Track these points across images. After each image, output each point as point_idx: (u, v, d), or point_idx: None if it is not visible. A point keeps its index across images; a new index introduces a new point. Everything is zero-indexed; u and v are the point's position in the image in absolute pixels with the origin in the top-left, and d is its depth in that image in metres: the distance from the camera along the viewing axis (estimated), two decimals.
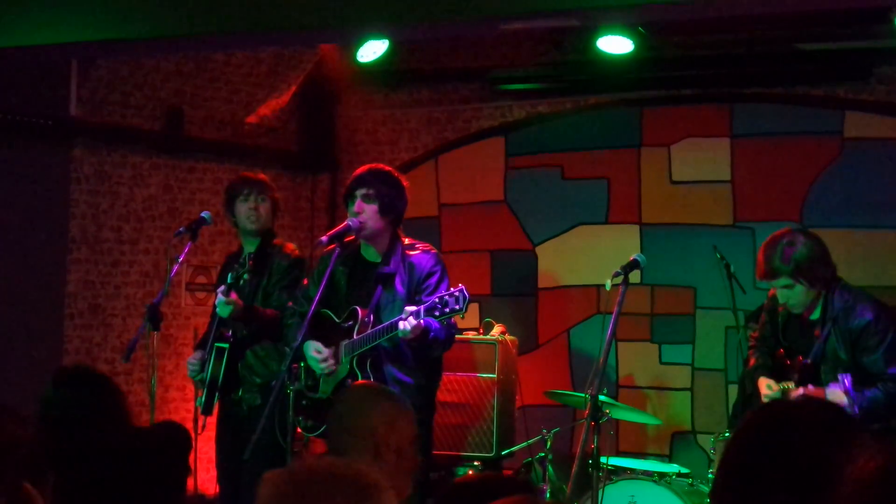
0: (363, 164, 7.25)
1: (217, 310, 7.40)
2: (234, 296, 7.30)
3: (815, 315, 6.67)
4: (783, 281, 6.55)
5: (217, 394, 7.46)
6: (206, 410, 7.45)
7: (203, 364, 7.50)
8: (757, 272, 6.74)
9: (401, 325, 6.35)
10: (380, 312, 6.75)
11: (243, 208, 7.61)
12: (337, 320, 6.86)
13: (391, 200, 6.86)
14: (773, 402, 5.89)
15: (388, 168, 7.09)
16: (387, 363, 6.72)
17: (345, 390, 5.69)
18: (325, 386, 6.86)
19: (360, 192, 6.83)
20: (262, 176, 7.82)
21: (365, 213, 6.80)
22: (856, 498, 2.58)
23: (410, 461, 4.64)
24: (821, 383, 6.47)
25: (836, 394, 6.25)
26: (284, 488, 2.71)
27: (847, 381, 6.20)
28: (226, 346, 7.43)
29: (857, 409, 6.23)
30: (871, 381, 6.41)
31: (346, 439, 4.60)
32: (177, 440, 4.19)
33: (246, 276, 7.48)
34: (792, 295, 6.57)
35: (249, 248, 7.66)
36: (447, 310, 6.24)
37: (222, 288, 7.32)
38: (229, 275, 7.47)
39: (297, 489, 2.70)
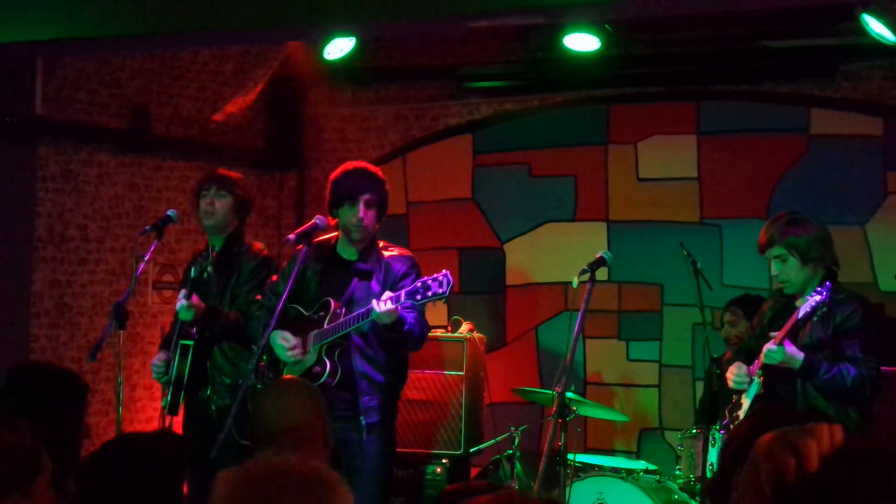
0: (330, 163, 7.26)
1: (179, 314, 7.37)
2: (195, 299, 7.26)
3: (803, 300, 6.69)
4: (776, 250, 6.54)
5: (182, 392, 7.42)
6: (172, 410, 7.40)
7: (168, 365, 7.47)
8: (758, 244, 6.74)
9: (375, 304, 6.33)
10: (352, 306, 6.73)
11: (202, 204, 7.58)
12: (306, 313, 6.83)
13: (385, 203, 6.91)
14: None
15: (376, 168, 7.08)
16: (357, 357, 6.70)
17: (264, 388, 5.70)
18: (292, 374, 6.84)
19: (363, 198, 6.81)
20: (230, 173, 7.76)
21: (367, 218, 6.81)
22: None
23: (323, 444, 4.77)
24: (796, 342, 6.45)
25: (810, 300, 6.24)
26: (239, 486, 2.71)
27: (826, 291, 6.18)
28: (190, 343, 7.39)
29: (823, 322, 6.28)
30: (848, 360, 6.41)
31: (264, 435, 4.68)
32: (172, 451, 4.19)
33: (209, 268, 7.42)
34: (784, 269, 6.55)
35: (215, 246, 7.64)
36: (430, 293, 6.20)
37: (184, 291, 7.29)
38: (192, 269, 7.42)
39: (252, 487, 2.70)
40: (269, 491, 2.68)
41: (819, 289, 6.23)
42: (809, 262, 6.54)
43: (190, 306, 7.20)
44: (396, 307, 6.33)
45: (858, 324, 6.47)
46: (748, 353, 6.88)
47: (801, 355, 6.31)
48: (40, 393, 4.80)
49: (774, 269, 6.60)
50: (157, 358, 7.59)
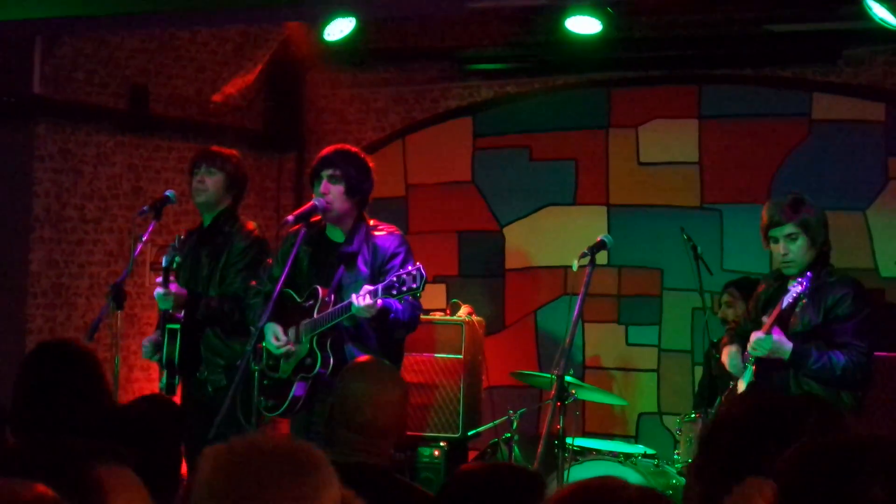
0: (330, 144, 7.21)
1: (158, 303, 7.36)
2: (173, 287, 7.24)
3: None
4: (788, 228, 6.52)
5: (177, 375, 7.41)
6: (169, 392, 7.40)
7: (156, 346, 7.45)
8: (761, 226, 6.68)
9: (355, 299, 6.31)
10: (342, 292, 6.71)
11: (193, 181, 7.53)
12: (298, 300, 6.82)
13: (357, 181, 6.82)
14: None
15: (354, 149, 7.05)
16: (348, 343, 6.68)
17: (346, 369, 5.57)
18: (285, 366, 6.82)
19: (326, 173, 6.79)
20: (224, 150, 7.69)
21: (331, 193, 6.76)
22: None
23: (402, 431, 4.82)
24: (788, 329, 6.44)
25: (792, 291, 6.22)
26: (224, 463, 2.71)
27: (806, 281, 6.16)
28: (177, 326, 7.37)
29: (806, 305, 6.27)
30: (836, 348, 6.40)
31: (355, 423, 4.64)
32: (166, 414, 4.16)
33: (178, 258, 7.34)
34: (793, 248, 6.53)
35: (205, 222, 7.61)
36: (404, 288, 6.20)
37: (160, 279, 7.26)
38: (164, 258, 7.36)
39: (236, 464, 2.70)
40: (254, 469, 2.68)
41: (800, 279, 6.20)
42: (816, 243, 6.53)
43: (167, 294, 7.18)
44: (375, 302, 6.32)
45: (850, 307, 6.46)
46: (743, 338, 6.87)
47: (789, 345, 6.29)
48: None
49: (783, 247, 6.55)
50: (148, 338, 7.59)
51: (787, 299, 6.21)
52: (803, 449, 2.69)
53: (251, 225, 7.64)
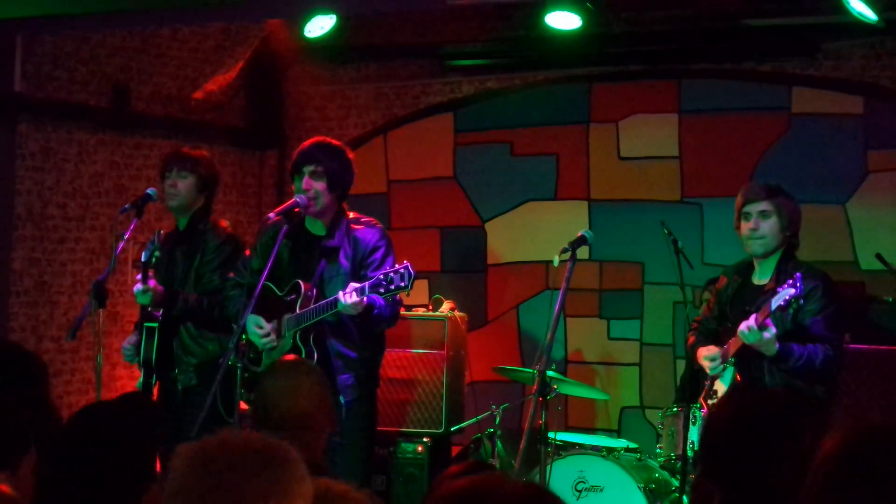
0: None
1: (137, 299, 7.36)
2: (152, 283, 7.24)
3: (765, 278, 6.71)
4: (763, 205, 6.62)
5: (154, 375, 7.42)
6: (146, 391, 7.40)
7: (137, 347, 7.46)
8: (736, 206, 6.79)
9: (342, 297, 6.33)
10: (323, 286, 6.73)
11: (165, 186, 7.56)
12: (279, 293, 6.83)
13: (339, 175, 6.83)
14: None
15: (334, 142, 7.06)
16: (330, 337, 6.70)
17: (267, 368, 5.67)
18: (267, 359, 6.83)
19: (307, 169, 6.79)
20: (193, 152, 7.71)
21: (313, 190, 6.77)
22: (821, 468, 2.75)
23: (328, 428, 4.84)
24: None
25: (782, 293, 6.25)
26: (195, 461, 2.73)
27: (798, 282, 6.18)
28: (155, 325, 7.37)
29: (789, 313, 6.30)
30: (810, 342, 6.45)
31: (273, 419, 4.69)
32: (142, 410, 4.17)
33: (157, 253, 7.34)
34: (764, 224, 6.60)
35: (180, 226, 7.62)
36: (392, 287, 6.22)
37: (139, 276, 7.26)
38: (143, 254, 7.36)
39: (208, 461, 2.72)
40: (225, 466, 2.70)
41: (790, 281, 6.22)
42: (787, 229, 6.60)
43: (145, 290, 7.19)
44: (361, 299, 6.34)
45: (821, 300, 6.52)
46: (708, 336, 6.93)
47: (776, 346, 6.34)
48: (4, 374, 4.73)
49: (754, 222, 6.63)
50: (128, 341, 7.60)
51: (779, 301, 6.22)
52: (846, 439, 2.73)
53: (224, 223, 7.65)
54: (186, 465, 2.73)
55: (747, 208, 6.70)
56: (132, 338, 7.57)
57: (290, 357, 6.23)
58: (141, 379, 7.48)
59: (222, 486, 2.68)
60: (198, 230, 7.51)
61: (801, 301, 6.21)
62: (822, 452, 2.73)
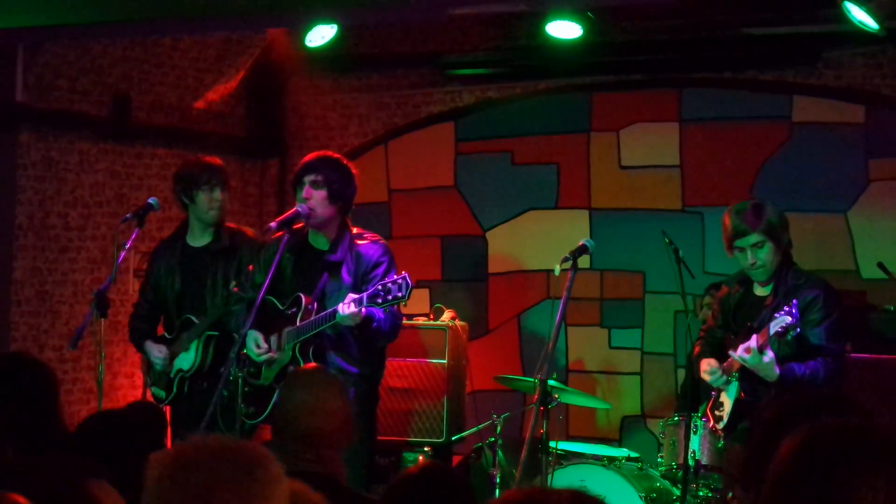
0: (312, 150, 7.24)
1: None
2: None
3: (766, 291, 6.70)
4: (754, 238, 6.56)
5: (202, 381, 7.40)
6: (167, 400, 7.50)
7: (172, 356, 7.48)
8: (725, 236, 6.73)
9: (340, 307, 6.33)
10: (324, 300, 6.72)
11: (206, 198, 7.48)
12: (280, 307, 6.83)
13: (340, 187, 6.83)
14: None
15: (336, 155, 7.07)
16: (330, 352, 6.69)
17: (288, 378, 5.65)
18: (267, 373, 6.83)
19: (308, 179, 6.80)
20: (218, 161, 7.70)
21: (313, 199, 6.77)
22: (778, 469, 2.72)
23: (347, 439, 4.81)
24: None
25: (779, 319, 6.24)
26: (169, 468, 2.72)
27: (794, 309, 6.17)
28: (215, 333, 7.37)
29: (797, 331, 6.27)
30: (811, 354, 6.45)
31: (292, 432, 4.68)
32: (151, 421, 4.17)
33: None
34: (760, 255, 6.57)
35: (199, 239, 7.57)
36: (390, 297, 6.22)
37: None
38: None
39: (182, 469, 2.71)
40: (201, 473, 2.69)
41: (787, 308, 6.21)
42: (781, 247, 6.59)
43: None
44: (360, 310, 6.33)
45: (822, 310, 6.50)
46: (713, 346, 6.93)
47: (776, 371, 6.33)
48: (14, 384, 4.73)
49: (751, 257, 6.60)
50: (158, 350, 7.53)
51: (776, 328, 6.22)
52: (801, 439, 2.72)
53: (251, 231, 7.70)
54: (161, 471, 2.71)
55: (739, 244, 6.66)
56: (162, 347, 7.52)
57: (311, 365, 6.22)
58: (174, 388, 7.47)
59: (199, 491, 2.67)
60: (235, 240, 7.57)
61: (798, 330, 6.21)
62: (778, 454, 2.72)
